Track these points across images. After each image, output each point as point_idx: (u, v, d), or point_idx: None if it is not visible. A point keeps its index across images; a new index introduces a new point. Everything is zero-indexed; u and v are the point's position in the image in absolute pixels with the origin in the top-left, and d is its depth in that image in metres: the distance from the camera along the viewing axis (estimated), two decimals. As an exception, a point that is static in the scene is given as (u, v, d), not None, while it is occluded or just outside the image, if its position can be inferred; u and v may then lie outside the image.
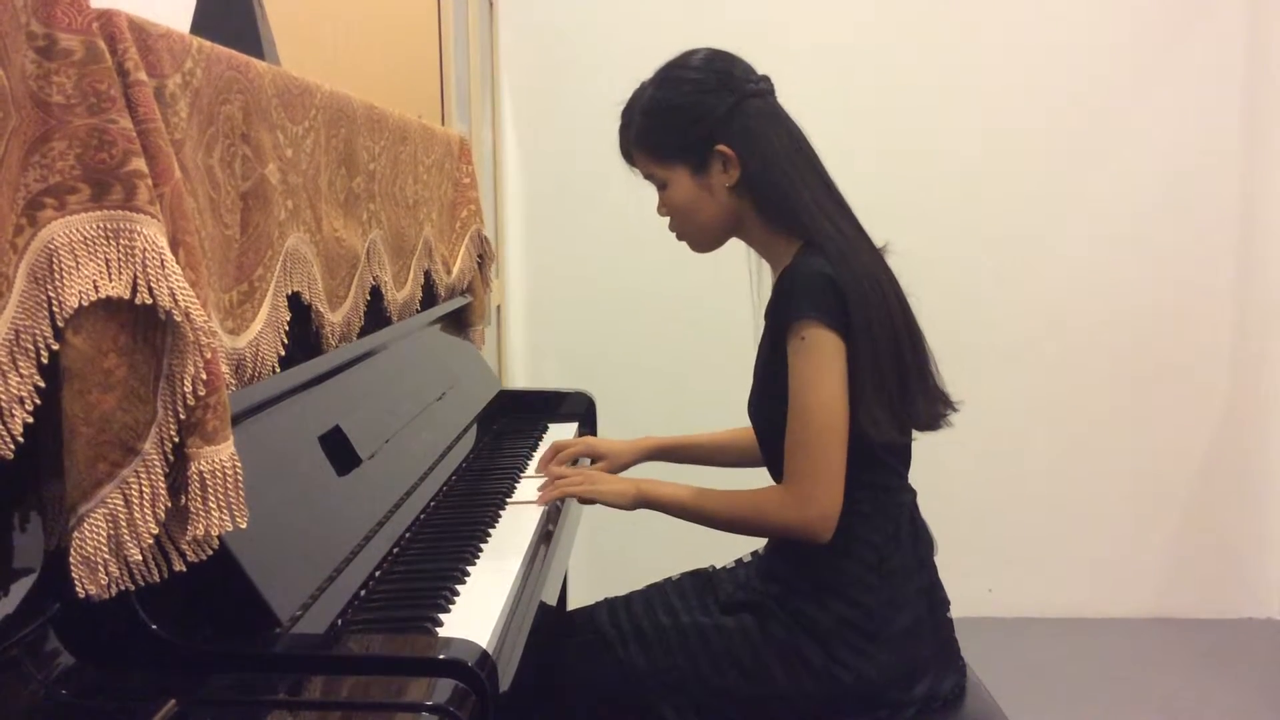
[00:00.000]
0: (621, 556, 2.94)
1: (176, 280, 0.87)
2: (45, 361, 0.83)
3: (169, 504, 0.90)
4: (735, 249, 1.60)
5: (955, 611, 1.53)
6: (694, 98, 1.47)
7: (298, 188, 1.32)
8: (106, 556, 0.86)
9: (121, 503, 0.87)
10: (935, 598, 1.49)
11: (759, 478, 1.57)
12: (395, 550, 1.38)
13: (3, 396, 0.80)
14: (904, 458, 1.51)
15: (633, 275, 3.17)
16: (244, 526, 0.96)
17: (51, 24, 0.84)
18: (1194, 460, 3.24)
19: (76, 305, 0.84)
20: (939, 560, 1.53)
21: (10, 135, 0.81)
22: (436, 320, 2.00)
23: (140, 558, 0.88)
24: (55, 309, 0.83)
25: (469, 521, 1.51)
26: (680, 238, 1.57)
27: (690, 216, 1.52)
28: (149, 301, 0.86)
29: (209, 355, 0.90)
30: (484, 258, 2.28)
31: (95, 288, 0.84)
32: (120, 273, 0.85)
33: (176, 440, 0.90)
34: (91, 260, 0.84)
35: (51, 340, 0.83)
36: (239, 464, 0.94)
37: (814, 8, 3.09)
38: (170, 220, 0.90)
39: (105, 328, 0.86)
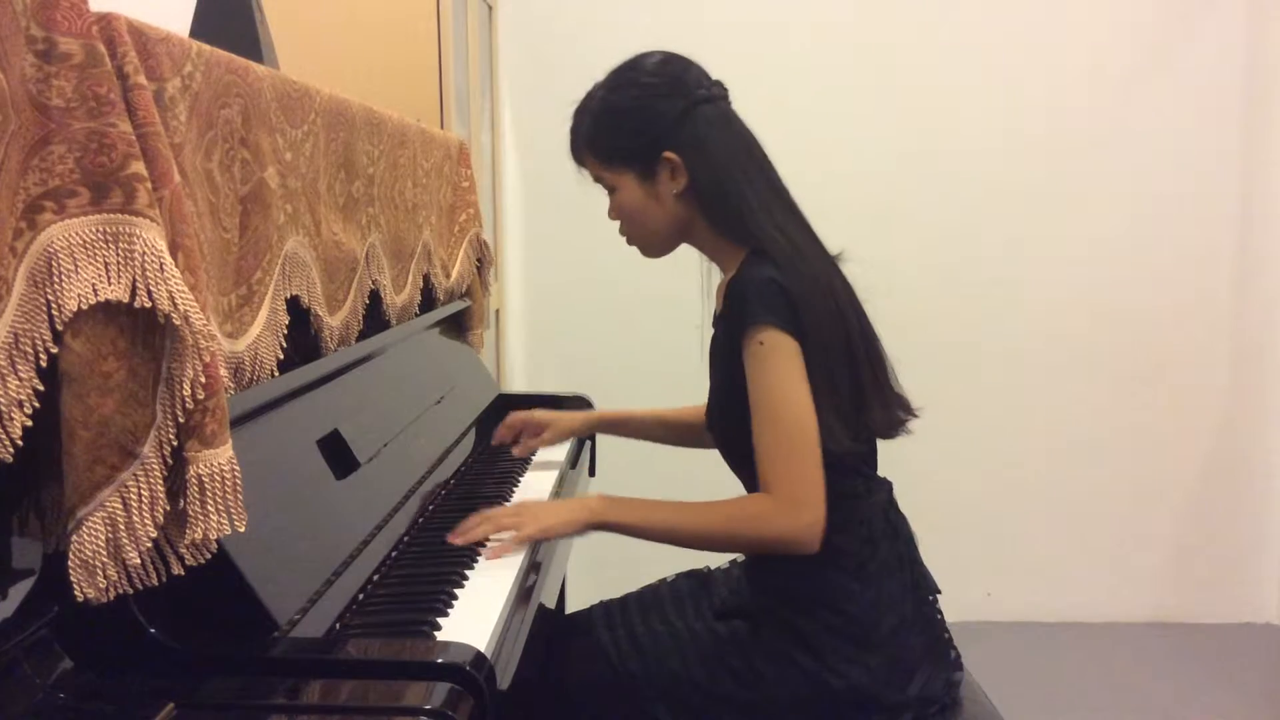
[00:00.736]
0: (620, 557, 2.94)
1: (175, 284, 0.87)
2: (44, 365, 0.83)
3: (167, 507, 0.90)
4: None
5: (953, 615, 1.52)
6: (643, 103, 1.46)
7: (297, 191, 1.32)
8: (105, 560, 0.86)
9: (120, 506, 0.87)
10: (921, 593, 1.48)
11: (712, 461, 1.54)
12: (393, 554, 1.38)
13: (2, 400, 0.80)
14: (869, 461, 1.50)
15: (631, 279, 3.16)
16: (242, 530, 0.96)
17: (51, 27, 0.84)
18: (1193, 464, 3.25)
19: (76, 309, 0.84)
20: (937, 563, 1.53)
21: (10, 139, 0.81)
22: (435, 324, 2.00)
23: (139, 561, 0.88)
24: (54, 312, 0.83)
25: (467, 525, 1.51)
26: (630, 242, 1.56)
27: (638, 222, 1.51)
28: (148, 305, 0.86)
29: (208, 359, 0.90)
30: (483, 261, 2.28)
31: (94, 291, 0.84)
32: (119, 276, 0.85)
33: (175, 444, 0.90)
34: (91, 264, 0.84)
35: (50, 344, 0.83)
36: (237, 467, 0.94)
37: (812, 10, 3.09)
38: (169, 224, 0.90)
39: (104, 331, 0.86)
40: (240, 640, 1.02)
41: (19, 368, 0.81)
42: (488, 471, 1.83)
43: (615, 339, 3.21)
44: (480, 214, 2.27)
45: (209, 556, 0.95)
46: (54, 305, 0.83)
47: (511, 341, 3.19)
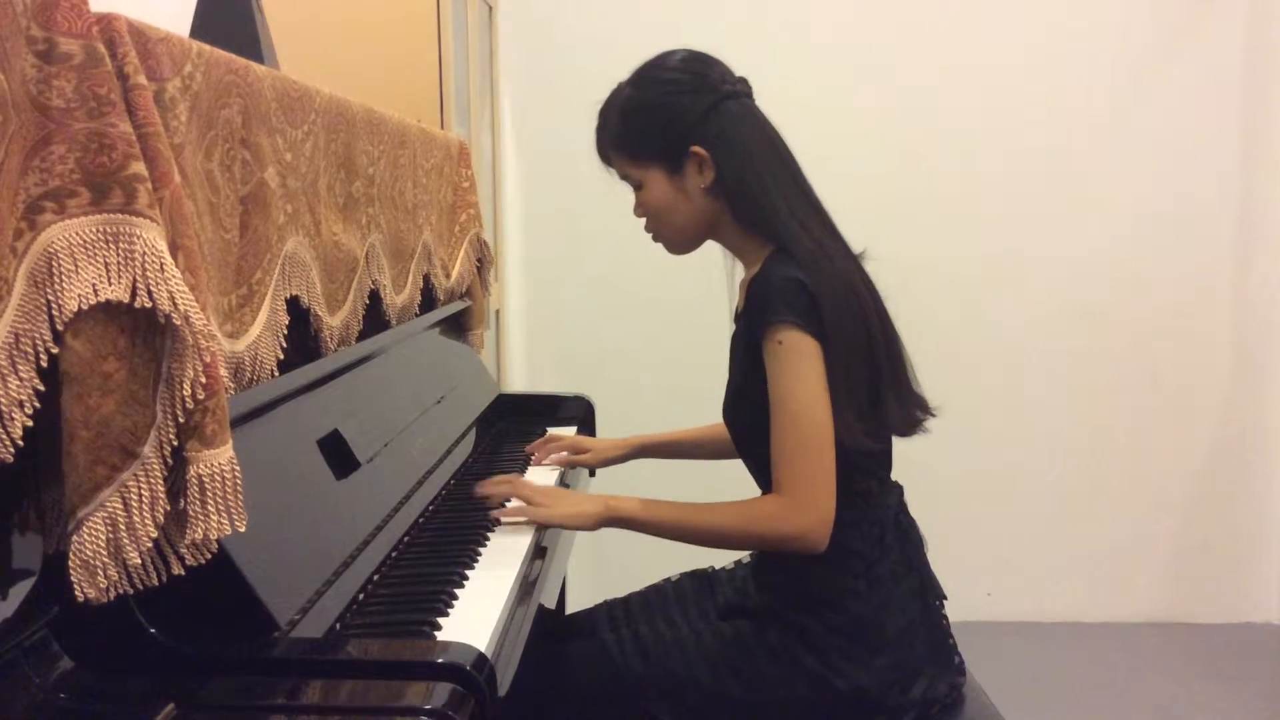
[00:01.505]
0: (621, 557, 2.94)
1: (176, 284, 0.87)
2: (45, 365, 0.83)
3: (168, 508, 0.90)
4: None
5: (954, 615, 1.52)
6: (670, 99, 1.46)
7: (297, 191, 1.32)
8: (105, 560, 0.86)
9: (120, 506, 0.87)
10: (928, 596, 1.49)
11: (739, 473, 1.55)
12: (394, 554, 1.38)
13: (2, 400, 0.80)
14: (883, 462, 1.50)
15: (632, 279, 3.18)
16: (243, 530, 0.96)
17: (51, 28, 0.84)
18: (1193, 464, 3.25)
19: (76, 309, 0.84)
20: (938, 564, 1.53)
21: (10, 139, 0.81)
22: (435, 324, 2.00)
23: (139, 561, 0.88)
24: (55, 312, 0.83)
25: (467, 525, 1.51)
26: (656, 239, 1.56)
27: (665, 218, 1.51)
28: (148, 305, 0.86)
29: (208, 359, 0.90)
30: (483, 262, 2.28)
31: (95, 291, 0.84)
32: (120, 276, 0.85)
33: (175, 444, 0.90)
34: (91, 264, 0.84)
35: (51, 344, 0.83)
36: (238, 467, 0.94)
37: (812, 10, 3.09)
38: (170, 224, 0.90)
39: (104, 331, 0.86)
40: (240, 640, 1.02)
41: (19, 368, 0.81)
42: (488, 472, 1.83)
43: (615, 339, 3.21)
44: (480, 214, 2.27)
45: (209, 556, 0.94)
46: (54, 305, 0.83)
47: (512, 342, 3.19)
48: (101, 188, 0.85)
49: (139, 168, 0.87)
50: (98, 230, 0.85)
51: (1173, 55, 3.09)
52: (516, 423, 2.18)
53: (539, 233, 3.21)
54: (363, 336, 1.57)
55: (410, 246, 1.83)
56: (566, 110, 3.13)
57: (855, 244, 1.51)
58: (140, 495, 0.88)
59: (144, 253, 0.86)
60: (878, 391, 1.41)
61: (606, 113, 1.52)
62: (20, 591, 0.90)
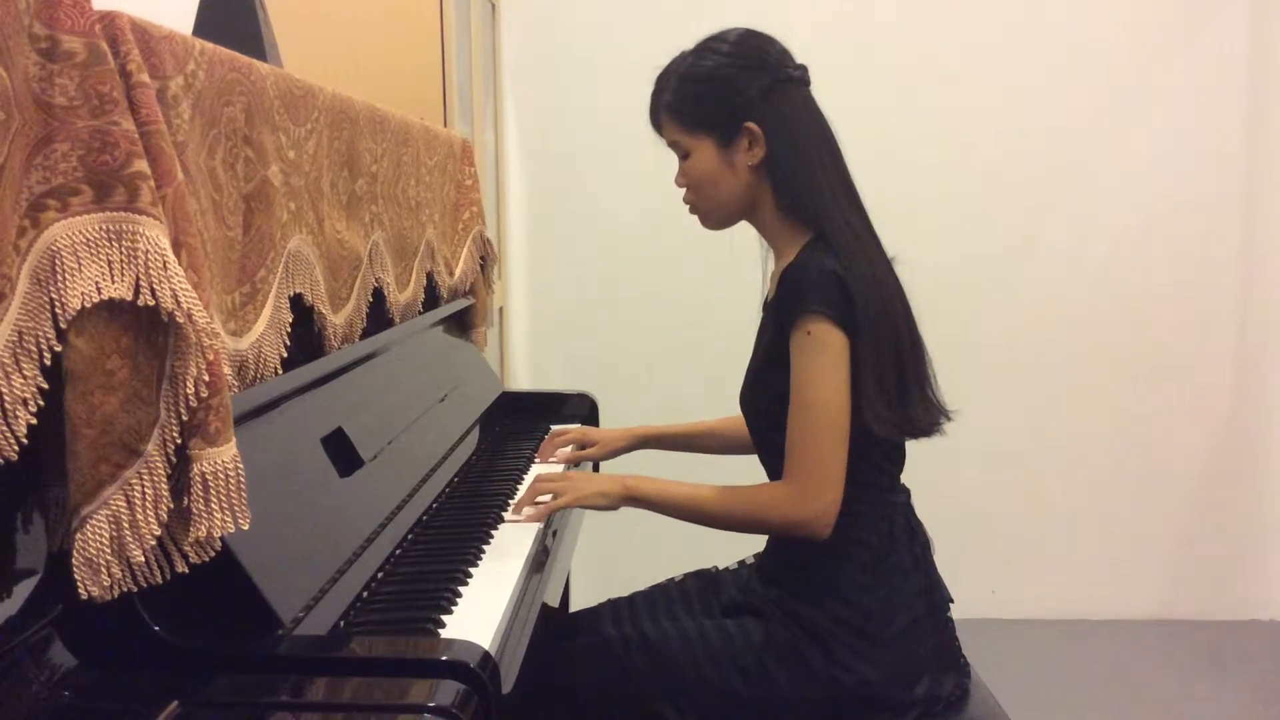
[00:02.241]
0: (625, 557, 2.94)
1: (179, 282, 0.87)
2: (48, 363, 0.83)
3: (171, 505, 0.90)
4: (743, 248, 1.59)
5: (958, 613, 1.52)
6: (732, 71, 1.47)
7: (300, 189, 1.32)
8: (109, 558, 0.86)
9: (124, 504, 0.87)
10: (935, 598, 1.49)
11: (749, 467, 1.55)
12: (398, 552, 1.38)
13: (6, 398, 0.80)
14: (896, 459, 1.51)
15: (635, 277, 3.18)
16: (246, 528, 0.96)
17: (54, 26, 0.84)
18: (1197, 462, 3.24)
19: (79, 307, 0.84)
20: (942, 561, 1.53)
21: (13, 137, 0.81)
22: (439, 322, 2.00)
23: (143, 559, 0.88)
24: (58, 310, 0.83)
25: (471, 523, 1.51)
26: (693, 211, 1.55)
27: (708, 189, 1.51)
28: (151, 303, 0.86)
29: (211, 357, 0.90)
30: (486, 259, 2.28)
31: (98, 289, 0.84)
32: (123, 274, 0.85)
33: (179, 442, 0.90)
34: (94, 262, 0.84)
35: (54, 342, 0.83)
36: (241, 465, 0.94)
37: (815, 8, 3.09)
38: (173, 222, 0.90)
39: (108, 329, 0.86)
40: (244, 638, 1.03)
41: (23, 366, 0.81)
42: (492, 469, 1.83)
43: (619, 336, 3.21)
44: (483, 212, 2.27)
45: (213, 554, 0.95)
46: (58, 303, 0.83)
47: (515, 339, 3.19)
48: (104, 186, 0.85)
49: (142, 166, 0.87)
50: (101, 228, 0.85)
51: (1177, 55, 3.08)
52: (520, 420, 2.17)
53: (542, 230, 3.21)
54: (366, 334, 1.57)
55: (413, 244, 1.83)
56: (569, 107, 3.13)
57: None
58: (144, 493, 0.88)
59: (147, 251, 0.86)
60: (905, 386, 1.42)
61: (665, 78, 1.52)
62: (24, 589, 0.91)
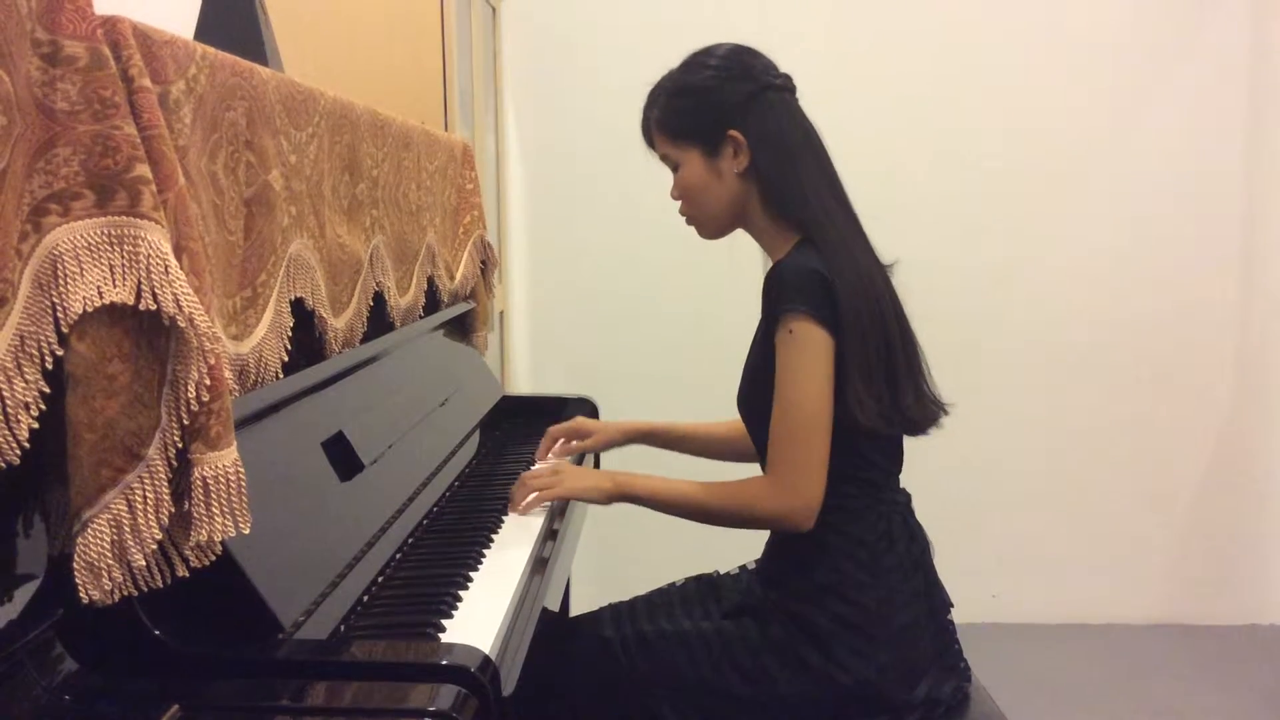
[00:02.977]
0: (625, 562, 2.94)
1: (180, 286, 0.87)
2: (50, 367, 0.83)
3: (172, 510, 0.90)
4: (743, 253, 1.60)
5: (959, 617, 1.53)
6: (714, 82, 1.50)
7: (301, 194, 1.32)
8: (110, 562, 0.86)
9: (125, 508, 0.87)
10: (935, 600, 1.50)
11: (748, 472, 1.56)
12: (398, 556, 1.38)
13: (8, 402, 0.80)
14: (893, 456, 1.52)
15: (636, 280, 3.18)
16: (247, 532, 0.96)
17: (56, 30, 0.84)
18: (1198, 466, 3.24)
19: (81, 311, 0.84)
20: (943, 565, 1.53)
21: (15, 142, 0.81)
22: (439, 326, 2.01)
23: (144, 563, 0.88)
24: (59, 315, 0.83)
25: (472, 527, 1.51)
26: (689, 222, 1.59)
27: (699, 199, 1.54)
28: (153, 307, 0.86)
29: (213, 361, 0.90)
30: (487, 263, 2.28)
31: (99, 293, 0.84)
32: (124, 278, 0.85)
33: (180, 446, 0.90)
34: (96, 266, 0.85)
35: (56, 346, 0.83)
36: (242, 469, 0.94)
37: (813, 12, 3.09)
38: (174, 226, 0.91)
39: (109, 333, 0.86)
40: (245, 642, 1.02)
41: (25, 370, 0.81)
42: (492, 473, 1.83)
43: (619, 341, 3.21)
44: (484, 216, 2.27)
45: (214, 558, 0.95)
46: (59, 308, 0.83)
47: (516, 343, 3.19)
48: (106, 190, 0.85)
49: (143, 170, 0.87)
50: (102, 232, 0.85)
51: (1177, 55, 3.08)
52: (520, 424, 2.17)
53: (543, 234, 3.21)
54: (367, 338, 1.58)
55: (414, 248, 1.83)
56: (570, 111, 3.14)
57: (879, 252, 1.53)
58: (145, 497, 0.88)
59: (148, 255, 0.86)
60: (895, 382, 1.44)
61: (654, 95, 1.56)
62: (25, 593, 0.91)
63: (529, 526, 1.54)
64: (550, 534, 1.55)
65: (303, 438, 1.30)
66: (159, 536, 0.89)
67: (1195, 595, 3.27)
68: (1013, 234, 3.15)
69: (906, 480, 1.55)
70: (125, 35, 0.91)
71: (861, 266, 1.43)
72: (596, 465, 1.99)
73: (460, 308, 2.15)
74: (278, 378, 1.23)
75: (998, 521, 3.24)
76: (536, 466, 1.81)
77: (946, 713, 1.45)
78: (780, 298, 1.40)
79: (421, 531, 1.49)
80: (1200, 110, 3.10)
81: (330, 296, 1.42)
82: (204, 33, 1.59)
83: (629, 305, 3.19)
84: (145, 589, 0.90)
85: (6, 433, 0.79)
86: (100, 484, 0.86)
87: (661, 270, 3.11)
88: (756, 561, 1.65)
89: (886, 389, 1.42)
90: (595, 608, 1.68)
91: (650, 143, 1.58)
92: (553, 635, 1.49)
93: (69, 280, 0.83)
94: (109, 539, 0.86)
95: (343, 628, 1.15)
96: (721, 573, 1.72)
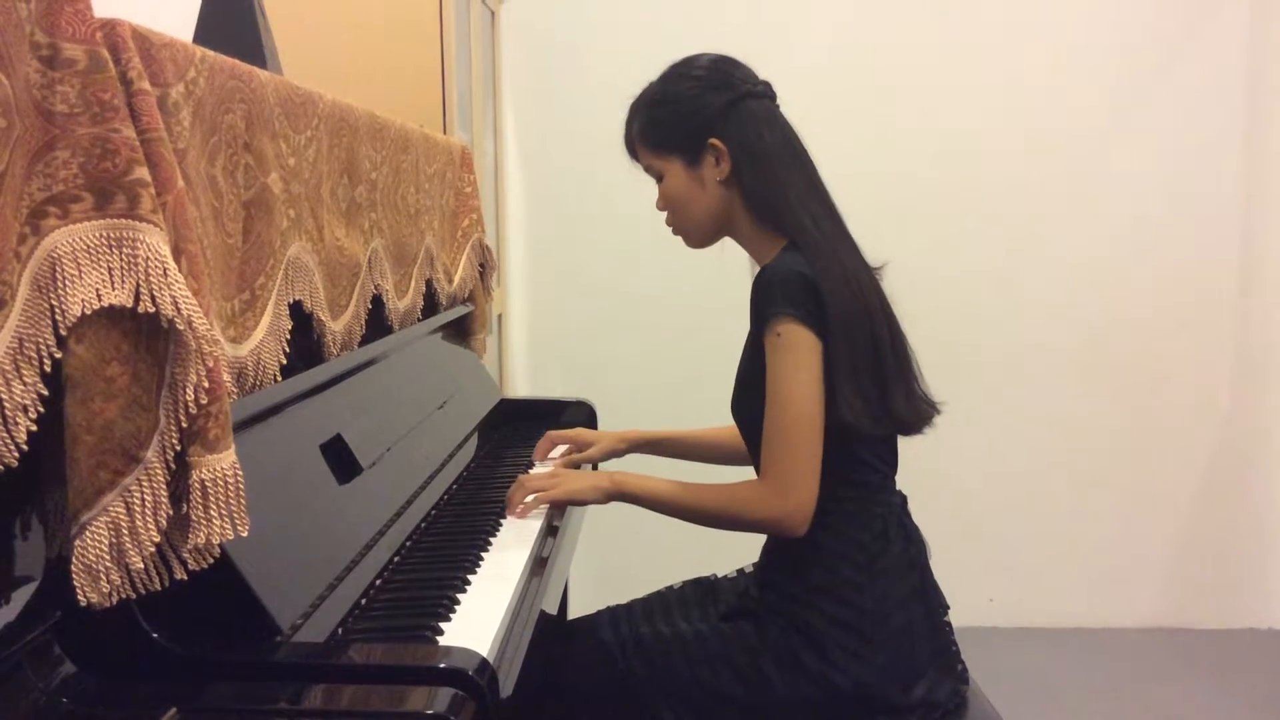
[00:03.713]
0: (623, 565, 2.94)
1: (179, 289, 0.87)
2: (48, 370, 0.83)
3: (170, 512, 0.90)
4: (739, 257, 1.60)
5: (956, 621, 1.53)
6: (693, 92, 1.51)
7: (300, 197, 1.32)
8: (108, 564, 0.86)
9: (123, 511, 0.87)
10: (931, 602, 1.49)
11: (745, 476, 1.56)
12: (396, 559, 1.38)
13: (7, 404, 0.80)
14: (888, 459, 1.52)
15: (634, 284, 3.18)
16: (245, 535, 0.96)
17: (55, 33, 0.84)
18: (1196, 470, 3.24)
19: (79, 313, 0.84)
20: (940, 569, 1.53)
21: (14, 144, 0.81)
22: (438, 329, 2.01)
23: (142, 566, 0.88)
24: (58, 317, 0.83)
25: (470, 530, 1.51)
26: (675, 232, 1.60)
27: (682, 209, 1.55)
28: (152, 310, 0.86)
29: (211, 363, 0.90)
30: (485, 266, 2.28)
31: (98, 296, 0.85)
32: (123, 281, 0.85)
33: (178, 448, 0.90)
34: (94, 268, 0.85)
35: (54, 348, 0.83)
36: (240, 472, 0.94)
37: (812, 12, 3.10)
38: (173, 229, 0.91)
39: (108, 336, 0.86)
40: (242, 645, 1.02)
41: (23, 372, 0.81)
42: (490, 476, 1.83)
43: (617, 344, 3.21)
44: (483, 219, 2.27)
45: (211, 561, 0.95)
46: (58, 310, 0.83)
47: (514, 346, 3.19)
48: (105, 193, 0.85)
49: (142, 173, 0.87)
50: (101, 235, 0.85)
51: (1175, 56, 3.09)
52: (519, 427, 2.18)
53: (541, 237, 3.21)
54: (365, 341, 1.58)
55: (413, 251, 1.83)
56: (568, 114, 3.14)
57: (866, 249, 1.53)
58: (143, 500, 0.88)
59: (147, 258, 0.86)
60: (884, 382, 1.44)
61: (635, 107, 1.57)
62: (23, 596, 0.91)
63: (527, 529, 1.54)
64: (548, 536, 1.55)
65: (301, 441, 1.30)
66: (157, 539, 0.89)
67: (1193, 599, 3.27)
68: (1012, 234, 3.16)
69: (903, 482, 1.55)
70: (124, 38, 0.91)
71: (848, 268, 1.44)
72: (594, 466, 1.99)
73: (458, 311, 2.15)
74: (276, 380, 1.23)
75: (995, 525, 3.24)
76: (534, 470, 1.81)
77: (944, 716, 1.45)
78: (767, 303, 1.41)
79: (419, 534, 1.49)
80: (1200, 110, 3.10)
81: (329, 299, 1.42)
82: (203, 36, 1.59)
83: (628, 308, 3.19)
84: (143, 591, 0.90)
85: (5, 435, 0.79)
86: (98, 486, 0.86)
87: (660, 273, 3.11)
88: (754, 565, 1.66)
89: (875, 389, 1.43)
90: (593, 610, 1.68)
91: (633, 155, 1.59)
92: (551, 638, 1.49)
93: (68, 283, 0.84)
94: (107, 541, 0.86)
95: (340, 630, 1.15)
96: (719, 576, 1.72)
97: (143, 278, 0.86)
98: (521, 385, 3.22)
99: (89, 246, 0.85)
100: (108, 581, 0.86)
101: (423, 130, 1.92)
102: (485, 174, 2.76)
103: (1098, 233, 3.15)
